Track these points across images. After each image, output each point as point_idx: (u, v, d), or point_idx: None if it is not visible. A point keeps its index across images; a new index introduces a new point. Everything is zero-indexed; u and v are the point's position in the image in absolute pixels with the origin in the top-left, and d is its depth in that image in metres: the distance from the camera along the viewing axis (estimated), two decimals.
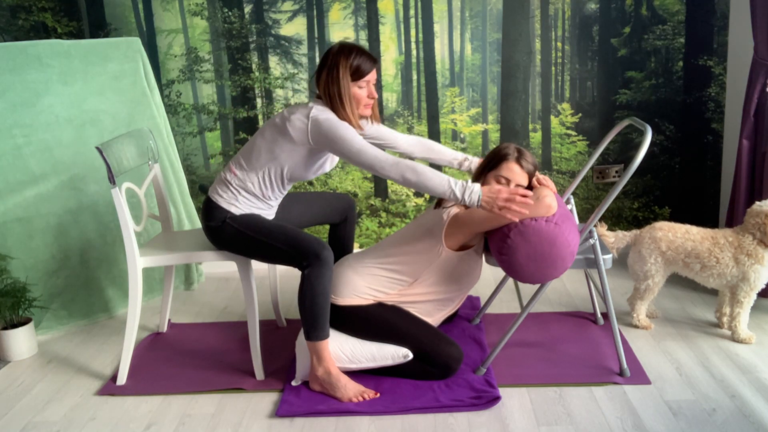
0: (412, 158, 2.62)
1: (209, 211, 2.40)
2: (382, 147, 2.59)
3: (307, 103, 2.36)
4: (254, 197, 2.39)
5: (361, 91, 2.33)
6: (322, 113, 2.27)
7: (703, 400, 2.22)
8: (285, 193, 2.48)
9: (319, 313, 2.26)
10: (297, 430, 2.16)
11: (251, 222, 2.36)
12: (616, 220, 3.62)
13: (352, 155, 2.22)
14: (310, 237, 2.28)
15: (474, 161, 2.56)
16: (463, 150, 3.56)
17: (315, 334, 2.28)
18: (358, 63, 2.29)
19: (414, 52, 3.46)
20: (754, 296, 2.55)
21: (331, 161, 2.46)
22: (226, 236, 2.38)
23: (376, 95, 2.37)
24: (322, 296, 2.25)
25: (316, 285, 2.24)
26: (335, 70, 2.28)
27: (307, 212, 2.64)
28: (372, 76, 2.34)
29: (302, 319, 2.29)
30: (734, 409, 2.15)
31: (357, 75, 2.30)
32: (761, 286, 2.54)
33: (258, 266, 3.14)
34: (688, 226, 2.63)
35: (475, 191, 2.13)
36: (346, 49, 2.30)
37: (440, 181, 2.15)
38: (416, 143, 2.62)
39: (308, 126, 2.26)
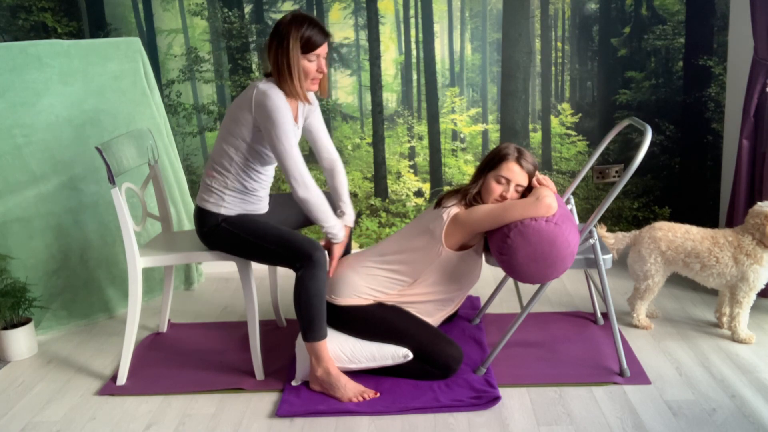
0: (321, 167, 2.62)
1: (201, 218, 2.40)
2: (309, 140, 2.57)
3: (253, 82, 2.33)
4: (239, 192, 2.39)
5: (311, 64, 2.28)
6: (270, 89, 2.24)
7: (703, 400, 2.22)
8: (266, 179, 2.45)
9: (314, 314, 2.26)
10: (297, 430, 2.16)
11: (245, 224, 2.36)
12: (616, 220, 3.62)
13: (279, 147, 2.23)
14: (303, 238, 2.28)
15: (349, 216, 2.56)
16: (463, 150, 3.56)
17: (312, 335, 2.28)
18: (309, 35, 2.23)
19: (414, 52, 3.46)
20: (753, 296, 2.55)
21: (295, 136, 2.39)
22: (221, 239, 2.38)
23: (325, 70, 2.32)
24: (316, 297, 2.25)
25: (310, 286, 2.24)
26: (285, 41, 2.23)
27: (304, 212, 2.64)
28: (323, 50, 2.29)
29: (299, 321, 2.29)
30: (734, 409, 2.15)
31: (307, 47, 2.24)
32: (760, 286, 2.53)
33: (258, 266, 3.14)
34: (687, 226, 2.63)
35: (339, 237, 2.42)
36: (298, 19, 2.24)
37: (326, 219, 2.36)
38: (330, 167, 2.58)
39: (252, 99, 2.24)
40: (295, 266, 2.27)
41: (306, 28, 2.23)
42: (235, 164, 2.34)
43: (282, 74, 2.26)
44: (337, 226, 2.40)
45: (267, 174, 2.45)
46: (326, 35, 2.28)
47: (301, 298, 2.25)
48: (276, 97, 2.23)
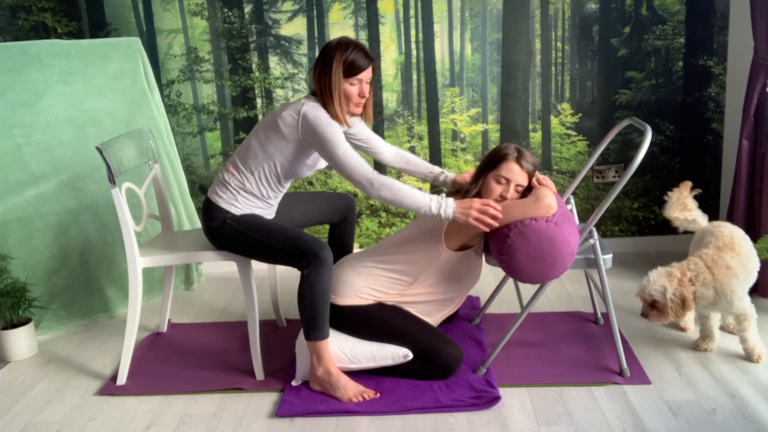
0: (392, 167, 2.65)
1: (209, 212, 2.40)
2: (365, 150, 2.60)
3: (299, 99, 2.35)
4: (253, 197, 2.39)
5: (353, 88, 2.30)
6: (313, 109, 2.26)
7: (703, 400, 2.22)
8: (284, 191, 2.48)
9: (318, 313, 2.26)
10: (297, 430, 2.16)
11: (251, 222, 2.36)
12: (616, 220, 3.62)
13: (335, 159, 2.22)
14: (309, 237, 2.28)
15: (449, 176, 2.57)
16: (463, 150, 3.56)
17: (314, 334, 2.28)
18: (352, 59, 2.26)
19: (414, 52, 3.46)
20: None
21: None
22: (226, 236, 2.38)
23: (367, 95, 2.34)
24: (321, 296, 2.25)
25: (315, 285, 2.24)
26: (329, 64, 2.26)
27: (307, 212, 2.64)
28: (366, 75, 2.31)
29: (302, 319, 2.29)
30: (734, 409, 2.15)
31: (350, 71, 2.27)
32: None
33: (258, 266, 3.14)
34: (744, 238, 2.50)
35: (449, 205, 2.19)
36: (343, 43, 2.28)
37: (416, 198, 2.20)
38: (396, 156, 2.63)
39: (299, 121, 2.26)
40: (301, 265, 2.27)
41: (350, 52, 2.26)
42: (262, 171, 2.35)
43: (325, 96, 2.29)
44: (434, 201, 2.19)
45: (286, 187, 2.47)
46: (370, 60, 2.30)
47: (305, 297, 2.26)
48: (321, 114, 2.26)
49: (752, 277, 2.41)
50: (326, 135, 2.22)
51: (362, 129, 2.56)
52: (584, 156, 3.57)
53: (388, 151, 2.62)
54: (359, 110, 2.37)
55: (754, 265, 2.42)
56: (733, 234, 2.44)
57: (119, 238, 3.13)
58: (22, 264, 2.90)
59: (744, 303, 2.38)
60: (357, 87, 2.31)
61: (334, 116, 2.30)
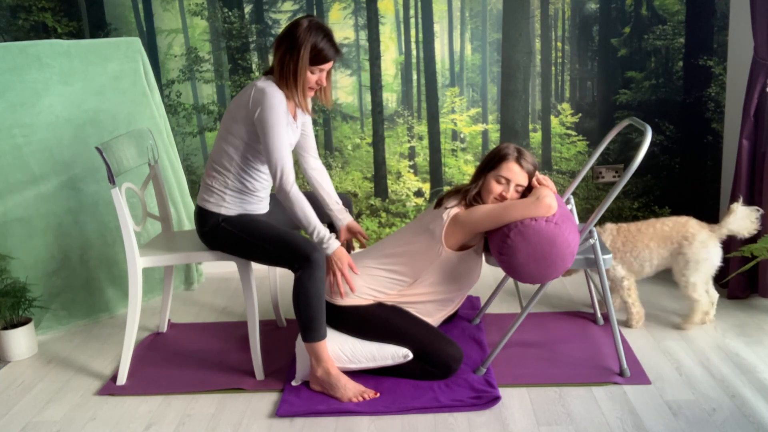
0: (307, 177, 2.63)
1: (202, 218, 2.40)
2: (297, 146, 2.57)
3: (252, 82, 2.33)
4: (239, 192, 2.39)
5: (312, 76, 2.29)
6: (268, 87, 2.24)
7: (703, 400, 2.22)
8: (267, 178, 2.45)
9: (313, 315, 2.26)
10: (297, 430, 2.16)
11: (244, 224, 2.36)
12: (616, 220, 3.62)
13: (268, 143, 2.22)
14: (301, 239, 2.28)
15: (344, 220, 2.57)
16: (463, 150, 3.56)
17: (311, 336, 2.28)
18: (322, 47, 2.24)
19: (414, 52, 3.46)
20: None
21: (293, 135, 2.41)
22: (221, 239, 2.38)
23: (324, 83, 2.33)
24: (315, 298, 2.25)
25: (308, 287, 2.24)
26: (297, 48, 2.22)
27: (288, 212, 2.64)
28: (328, 66, 2.30)
29: (298, 321, 2.29)
30: (734, 409, 2.15)
31: (316, 60, 2.25)
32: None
33: (258, 266, 3.14)
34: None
35: (331, 247, 2.30)
36: (314, 29, 2.24)
37: (308, 215, 2.27)
38: (318, 171, 2.59)
39: (251, 97, 2.24)
40: (293, 267, 2.27)
41: (321, 40, 2.24)
42: (235, 163, 2.35)
43: (285, 78, 2.27)
44: (321, 231, 2.30)
45: (267, 173, 2.44)
46: (337, 52, 2.30)
47: (299, 299, 2.25)
48: (273, 95, 2.23)
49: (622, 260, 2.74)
50: (270, 117, 2.21)
51: (308, 122, 2.54)
52: (584, 156, 3.57)
53: (314, 161, 2.59)
54: (311, 94, 2.36)
55: (633, 251, 2.72)
56: (662, 230, 2.70)
57: (119, 238, 3.13)
58: (22, 264, 2.90)
59: (617, 271, 2.74)
60: (317, 75, 2.30)
61: (295, 101, 2.29)
